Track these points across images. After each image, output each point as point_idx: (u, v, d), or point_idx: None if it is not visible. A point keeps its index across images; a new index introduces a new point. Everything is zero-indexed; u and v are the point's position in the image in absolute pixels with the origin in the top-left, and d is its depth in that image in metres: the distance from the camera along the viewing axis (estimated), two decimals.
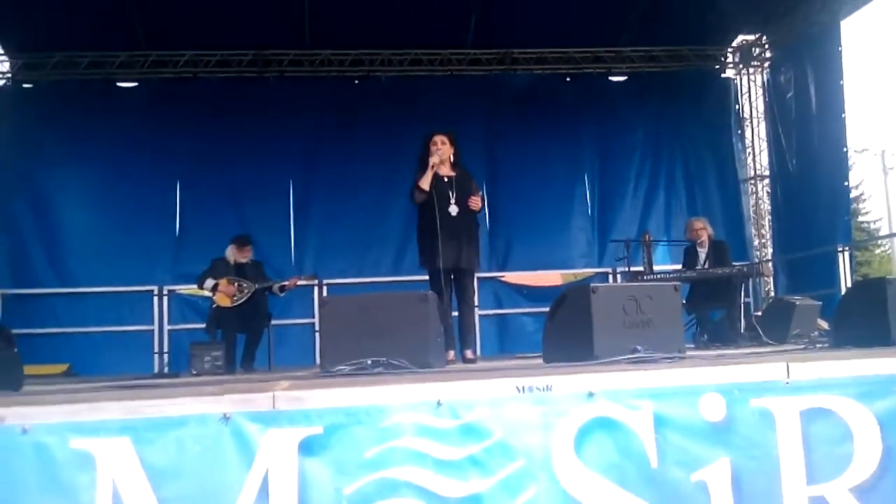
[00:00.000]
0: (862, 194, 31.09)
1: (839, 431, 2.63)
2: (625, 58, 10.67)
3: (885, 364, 2.80)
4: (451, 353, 5.59)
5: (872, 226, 31.58)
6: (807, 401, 2.66)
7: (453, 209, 5.69)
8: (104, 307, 9.39)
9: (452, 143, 5.87)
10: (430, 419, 2.48)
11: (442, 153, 5.74)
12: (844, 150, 9.25)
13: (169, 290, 9.49)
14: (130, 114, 9.88)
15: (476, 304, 6.47)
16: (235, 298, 7.27)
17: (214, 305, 7.34)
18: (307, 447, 2.42)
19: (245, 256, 7.48)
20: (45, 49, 9.59)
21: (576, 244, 10.46)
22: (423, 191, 5.67)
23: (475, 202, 5.74)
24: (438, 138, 5.83)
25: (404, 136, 9.74)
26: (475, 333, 6.26)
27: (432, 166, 5.67)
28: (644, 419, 2.55)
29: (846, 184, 9.45)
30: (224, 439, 2.39)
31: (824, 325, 6.89)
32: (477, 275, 6.42)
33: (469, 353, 5.75)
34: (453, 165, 5.87)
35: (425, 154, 5.80)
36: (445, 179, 5.79)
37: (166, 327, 9.41)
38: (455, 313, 5.93)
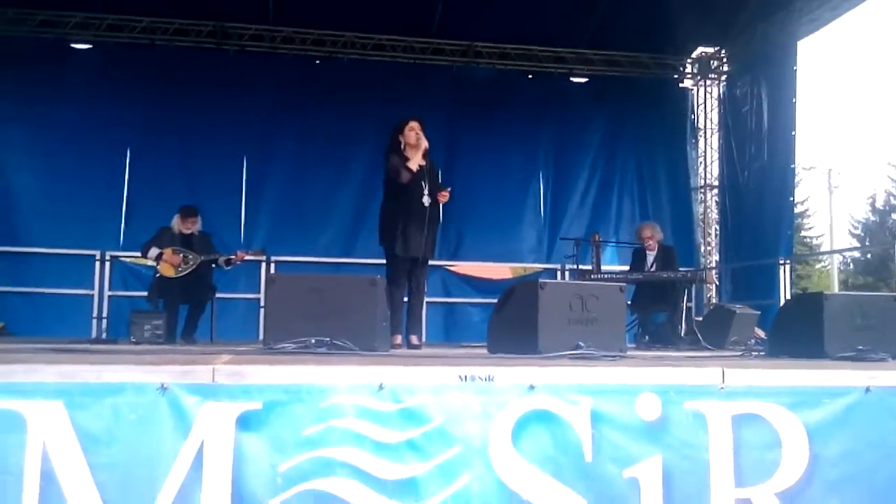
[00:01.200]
0: (807, 210, 31.93)
1: (769, 438, 2.71)
2: (586, 60, 10.76)
3: (816, 376, 2.89)
4: (398, 338, 5.63)
5: (815, 241, 32.47)
6: (739, 406, 2.73)
7: (426, 199, 5.71)
8: (45, 269, 9.15)
9: (424, 133, 5.86)
10: (371, 401, 2.49)
11: (423, 139, 5.77)
12: (792, 166, 9.48)
13: (112, 256, 9.30)
14: (84, 76, 9.63)
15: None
16: (180, 269, 7.15)
17: (158, 275, 7.20)
18: (245, 422, 2.41)
19: (189, 228, 7.34)
20: None
21: (526, 239, 10.54)
22: (411, 171, 5.67)
23: (445, 196, 5.78)
24: (416, 124, 5.82)
25: (362, 119, 9.75)
26: (422, 320, 6.22)
27: (425, 149, 5.72)
28: (582, 414, 2.60)
29: (791, 199, 9.69)
30: (160, 409, 2.37)
31: (761, 333, 7.06)
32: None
33: (415, 339, 5.78)
34: (424, 154, 5.85)
35: (398, 136, 5.81)
36: (419, 167, 5.78)
37: (107, 293, 9.23)
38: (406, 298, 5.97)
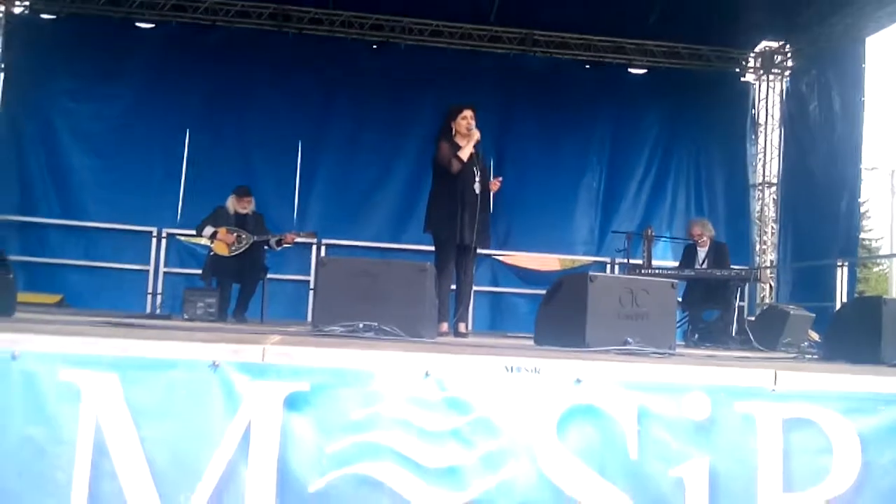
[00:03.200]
0: (867, 212, 31.02)
1: (820, 443, 2.65)
2: (646, 51, 10.60)
3: (872, 382, 2.81)
4: (445, 325, 5.63)
5: (874, 244, 31.58)
6: (791, 409, 2.67)
7: (477, 187, 5.71)
8: (104, 243, 9.40)
9: (476, 122, 5.87)
10: (417, 388, 2.49)
11: (472, 129, 5.76)
12: (859, 166, 9.22)
13: (168, 233, 9.50)
14: (147, 55, 9.83)
15: None
16: (233, 248, 7.26)
17: (212, 253, 7.33)
18: (293, 403, 2.43)
19: (244, 207, 7.46)
20: None
21: (578, 231, 10.46)
22: (461, 160, 5.67)
23: (496, 184, 5.84)
24: (469, 112, 5.81)
25: (416, 105, 9.78)
26: (469, 309, 6.25)
27: (476, 138, 5.72)
28: (628, 410, 2.57)
29: (857, 200, 9.43)
30: (211, 386, 2.40)
31: (815, 336, 6.91)
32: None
33: (462, 327, 5.77)
34: (475, 144, 5.86)
35: (450, 122, 5.81)
36: (471, 155, 5.78)
37: (162, 269, 9.44)
38: (453, 286, 5.96)
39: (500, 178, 5.93)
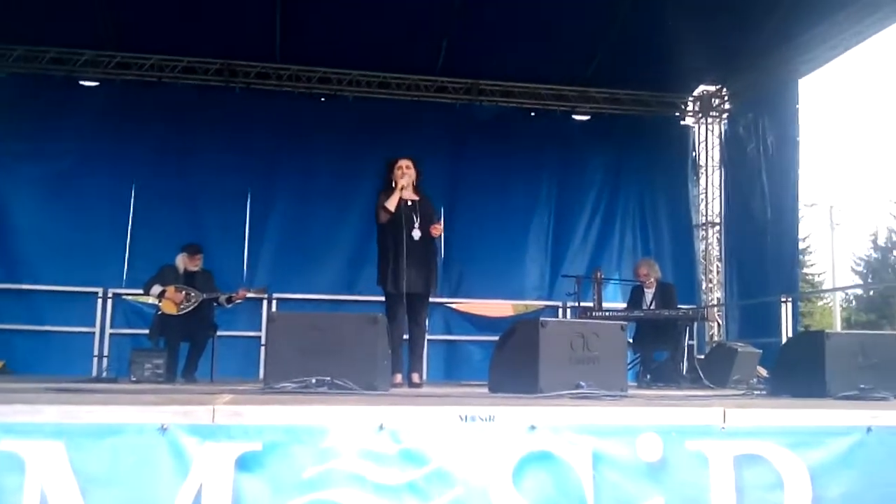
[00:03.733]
0: (808, 247, 31.89)
1: (771, 478, 2.69)
2: (589, 98, 10.86)
3: (818, 415, 2.88)
4: (399, 377, 5.61)
5: (816, 278, 32.39)
6: (741, 446, 2.72)
7: (416, 233, 5.76)
8: (46, 306, 9.16)
9: (416, 168, 5.98)
10: (371, 442, 2.48)
11: (407, 177, 5.87)
12: (797, 203, 9.51)
13: (114, 293, 9.31)
14: (91, 113, 9.72)
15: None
16: (182, 307, 7.17)
17: (160, 312, 7.22)
18: (244, 463, 2.40)
19: (195, 265, 7.39)
20: (8, 41, 9.41)
21: (529, 276, 10.54)
22: (388, 211, 5.74)
23: (437, 229, 5.85)
24: (403, 162, 5.94)
25: (366, 157, 9.75)
26: (423, 358, 6.19)
27: (401, 188, 5.79)
28: (583, 455, 2.58)
29: (796, 237, 9.71)
30: (160, 450, 2.36)
31: (763, 372, 7.04)
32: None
33: (416, 377, 5.76)
34: (416, 190, 5.97)
35: (389, 175, 5.92)
36: (409, 203, 5.86)
37: (108, 330, 9.22)
38: (406, 336, 5.96)
39: (441, 223, 6.03)
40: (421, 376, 5.90)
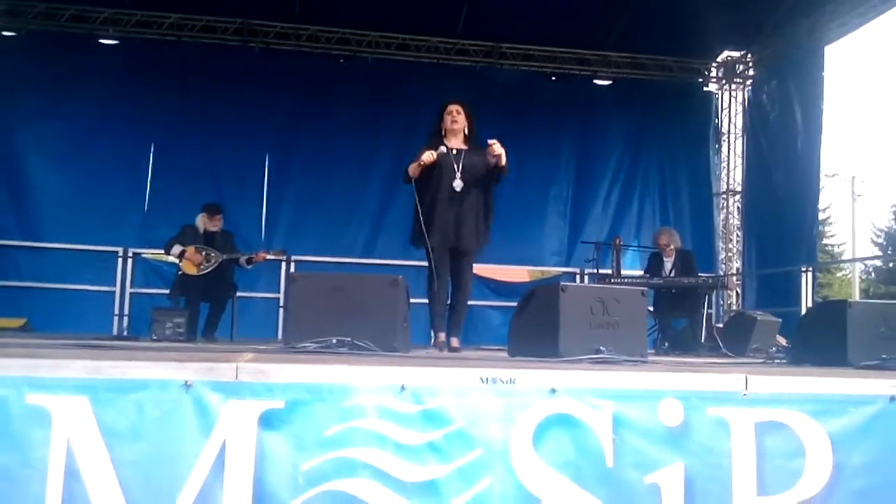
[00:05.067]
0: (829, 218, 31.64)
1: (792, 446, 2.68)
2: (610, 62, 10.73)
3: (840, 384, 2.86)
4: (442, 336, 5.33)
5: (836, 249, 32.16)
6: (762, 413, 2.70)
7: (457, 184, 5.29)
8: (68, 264, 9.23)
9: (468, 115, 5.52)
10: (392, 402, 2.48)
11: (457, 124, 5.44)
12: (818, 174, 9.39)
13: (134, 253, 9.38)
14: (110, 72, 9.71)
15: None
16: (202, 267, 7.20)
17: (180, 272, 7.27)
18: (267, 421, 2.41)
19: (215, 225, 7.41)
20: None
21: (547, 242, 10.52)
22: (408, 177, 5.36)
23: (495, 149, 5.23)
24: (454, 107, 5.49)
25: (385, 118, 9.80)
26: (461, 321, 5.56)
27: (421, 164, 5.25)
28: (603, 419, 2.58)
29: (816, 207, 9.61)
30: (184, 406, 2.37)
31: (783, 341, 7.00)
32: None
33: (455, 342, 5.35)
34: (466, 138, 5.50)
35: (438, 123, 5.52)
36: (454, 152, 5.38)
37: (128, 290, 9.31)
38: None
39: (494, 142, 5.28)
40: (459, 340, 5.44)
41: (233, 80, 9.86)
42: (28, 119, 9.45)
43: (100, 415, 2.33)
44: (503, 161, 5.31)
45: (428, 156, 5.24)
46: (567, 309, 3.79)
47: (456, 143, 5.45)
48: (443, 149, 5.32)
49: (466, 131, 5.50)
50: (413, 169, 5.30)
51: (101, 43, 9.85)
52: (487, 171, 5.41)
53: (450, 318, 5.45)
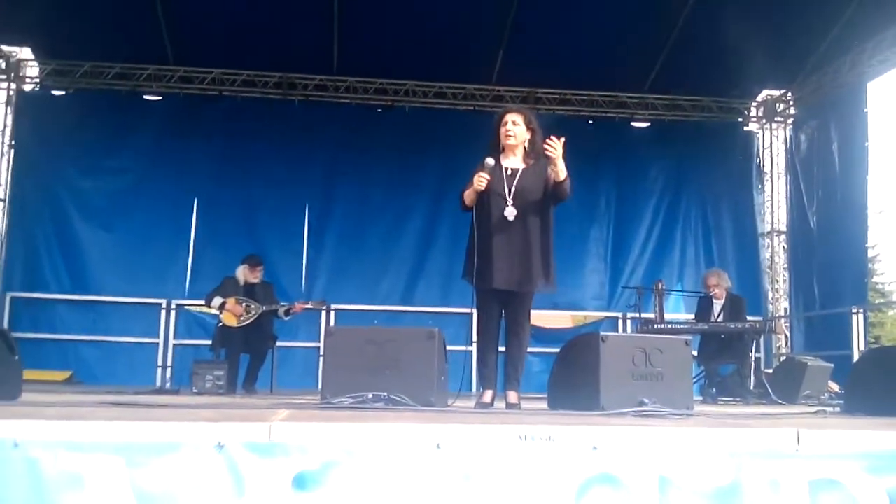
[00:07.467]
0: (877, 255, 30.86)
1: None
2: (648, 104, 10.68)
3: None
4: (489, 394, 4.49)
5: (886, 287, 31.32)
6: (816, 470, 2.58)
7: (509, 211, 4.45)
8: (112, 317, 9.41)
9: (529, 125, 4.67)
10: (428, 462, 2.42)
11: (513, 138, 4.61)
12: (866, 211, 9.18)
13: (177, 305, 9.49)
14: (154, 127, 9.97)
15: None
16: (242, 319, 7.24)
17: (221, 324, 7.31)
18: (301, 482, 2.35)
19: (256, 277, 7.47)
20: (75, 57, 9.71)
21: (588, 286, 10.39)
22: (465, 205, 4.58)
23: (552, 147, 4.41)
24: (511, 117, 4.63)
25: (422, 167, 9.86)
26: (521, 371, 4.64)
27: (475, 189, 4.46)
28: (649, 479, 2.48)
29: (865, 245, 9.37)
30: (217, 468, 2.34)
31: (835, 387, 6.79)
32: None
33: (513, 396, 4.47)
34: (527, 154, 4.65)
35: (495, 137, 4.68)
36: (508, 172, 4.55)
37: (171, 341, 9.40)
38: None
39: (552, 140, 4.46)
40: (519, 394, 4.52)
41: (273, 132, 10.01)
42: (74, 175, 9.72)
43: (133, 477, 2.30)
44: (559, 167, 4.49)
45: (478, 180, 4.44)
46: (608, 360, 3.71)
47: (513, 160, 4.63)
48: (490, 161, 4.48)
49: (527, 146, 4.67)
50: (468, 195, 4.53)
51: (145, 99, 10.10)
52: (546, 192, 4.61)
53: (506, 367, 4.60)
